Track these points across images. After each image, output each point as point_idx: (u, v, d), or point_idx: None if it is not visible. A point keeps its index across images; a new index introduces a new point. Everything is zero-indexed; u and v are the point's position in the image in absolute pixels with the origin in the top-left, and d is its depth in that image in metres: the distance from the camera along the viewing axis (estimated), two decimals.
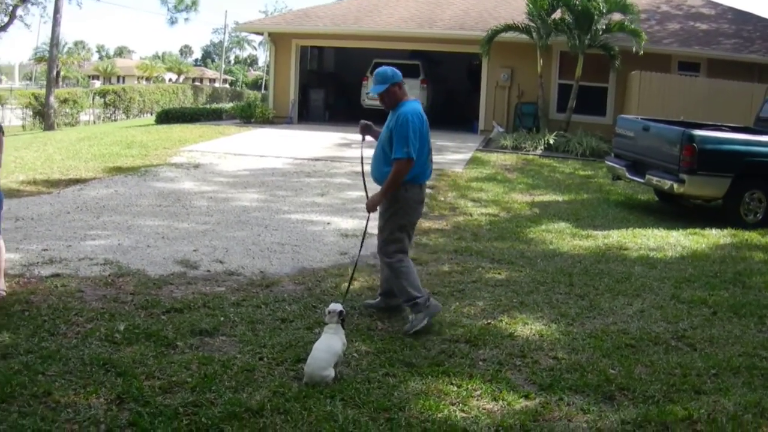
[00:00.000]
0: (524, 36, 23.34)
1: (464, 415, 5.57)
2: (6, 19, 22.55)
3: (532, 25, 23.12)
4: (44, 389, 5.74)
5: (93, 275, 9.06)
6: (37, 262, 9.47)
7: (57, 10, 32.69)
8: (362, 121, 8.00)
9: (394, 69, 7.68)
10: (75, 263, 9.50)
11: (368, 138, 8.10)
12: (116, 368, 6.21)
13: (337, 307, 6.58)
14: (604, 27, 22.55)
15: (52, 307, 7.70)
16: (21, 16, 22.36)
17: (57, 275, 8.95)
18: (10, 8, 21.97)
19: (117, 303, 8.03)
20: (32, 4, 22.49)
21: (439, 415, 5.50)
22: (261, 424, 5.32)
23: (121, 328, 7.17)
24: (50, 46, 34.95)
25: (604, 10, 22.17)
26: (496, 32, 23.42)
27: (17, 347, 6.60)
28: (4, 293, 8.04)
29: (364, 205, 11.96)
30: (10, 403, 5.52)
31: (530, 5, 22.96)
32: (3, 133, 8.23)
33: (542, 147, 22.04)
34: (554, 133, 22.55)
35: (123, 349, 6.70)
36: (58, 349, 6.60)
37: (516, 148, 22.12)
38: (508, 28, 23.24)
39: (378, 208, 7.79)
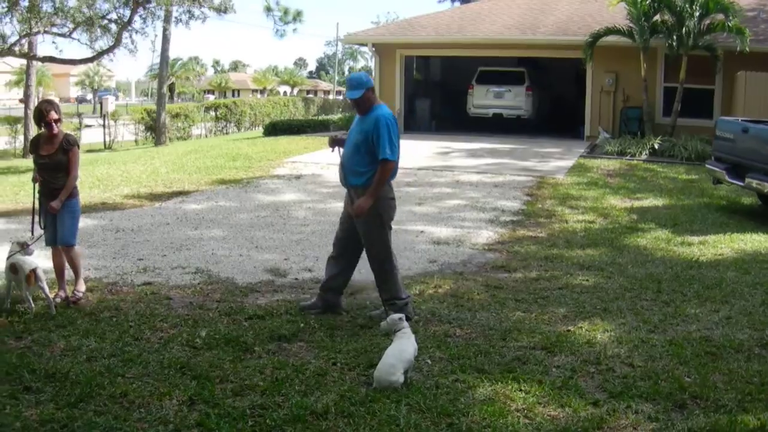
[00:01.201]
0: (627, 39, 23.00)
1: (527, 421, 5.56)
2: (112, 43, 23.20)
3: (634, 27, 22.77)
4: (121, 390, 6.00)
5: (183, 283, 9.34)
6: (131, 272, 9.81)
7: (165, 34, 33.58)
8: (332, 134, 8.17)
9: (367, 74, 8.08)
10: (167, 272, 9.79)
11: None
12: (192, 372, 6.44)
13: (395, 315, 6.67)
14: (705, 27, 22.07)
15: (140, 314, 7.99)
16: (125, 44, 22.96)
17: (149, 283, 9.27)
18: (115, 33, 22.63)
19: (202, 310, 8.29)
20: (136, 32, 23.05)
21: (502, 421, 5.50)
22: (323, 426, 5.43)
23: (203, 333, 7.41)
24: (160, 64, 35.88)
25: (704, 11, 21.70)
26: (597, 36, 23.15)
27: (102, 351, 6.91)
28: (81, 295, 8.41)
29: (460, 215, 12.06)
30: (88, 403, 5.79)
31: (631, 8, 22.63)
32: (78, 146, 8.61)
33: (647, 152, 21.68)
34: (659, 138, 22.16)
35: (202, 353, 6.92)
36: (140, 353, 6.88)
37: (621, 154, 21.81)
38: (609, 31, 22.93)
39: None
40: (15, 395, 5.94)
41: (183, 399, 5.89)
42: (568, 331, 7.70)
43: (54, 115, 8.40)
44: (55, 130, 8.42)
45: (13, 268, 8.13)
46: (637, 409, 5.76)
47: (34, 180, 8.53)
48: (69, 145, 8.46)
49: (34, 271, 8.02)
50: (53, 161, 8.41)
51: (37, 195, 8.71)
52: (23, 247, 8.38)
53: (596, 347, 7.19)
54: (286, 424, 5.43)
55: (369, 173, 7.73)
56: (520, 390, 6.11)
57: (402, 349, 6.30)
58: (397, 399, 5.86)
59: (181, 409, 5.72)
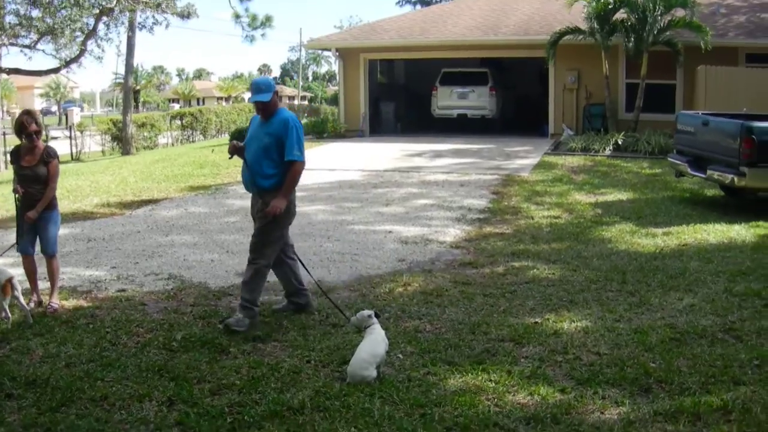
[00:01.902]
0: (588, 38, 23.29)
1: (498, 409, 5.73)
2: (77, 52, 23.21)
3: (595, 27, 23.05)
4: (102, 393, 6.13)
5: (157, 289, 9.45)
6: (105, 279, 9.91)
7: (130, 42, 33.56)
8: (234, 142, 8.24)
9: (270, 78, 8.24)
10: (141, 279, 9.89)
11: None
12: (170, 373, 6.58)
13: (365, 312, 6.82)
14: (665, 24, 22.39)
15: (116, 320, 8.11)
16: (91, 51, 23.01)
17: (123, 290, 9.39)
18: (80, 43, 22.65)
19: (177, 314, 8.42)
20: (101, 39, 23.11)
21: (473, 411, 5.67)
22: (300, 420, 5.58)
23: (179, 336, 7.55)
24: (125, 73, 35.81)
25: (664, 7, 22.01)
26: (559, 36, 23.44)
27: (80, 356, 7.04)
28: (57, 306, 8.53)
29: (427, 214, 12.21)
30: (69, 407, 5.92)
31: (590, 8, 22.93)
32: (57, 158, 8.72)
33: (611, 147, 21.96)
34: (622, 133, 22.45)
35: (179, 356, 7.06)
36: (118, 357, 7.01)
37: (585, 150, 22.08)
38: (570, 31, 23.24)
39: (265, 217, 7.89)
40: None
41: (162, 400, 6.01)
42: (536, 323, 7.88)
43: (34, 127, 8.55)
44: (36, 141, 8.55)
45: None
46: (603, 395, 5.96)
47: (15, 191, 8.63)
48: (49, 158, 8.61)
49: (9, 280, 8.09)
50: (34, 173, 8.53)
51: (18, 205, 8.82)
52: None
53: (563, 337, 7.37)
54: (264, 420, 5.58)
55: (278, 176, 7.81)
56: (490, 380, 6.29)
57: (373, 344, 6.46)
58: (371, 393, 6.02)
59: (161, 409, 5.85)
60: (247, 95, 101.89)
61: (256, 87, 7.90)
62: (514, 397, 5.95)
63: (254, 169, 7.84)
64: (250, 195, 8.21)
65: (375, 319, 6.70)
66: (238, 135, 31.08)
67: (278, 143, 7.74)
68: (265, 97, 7.79)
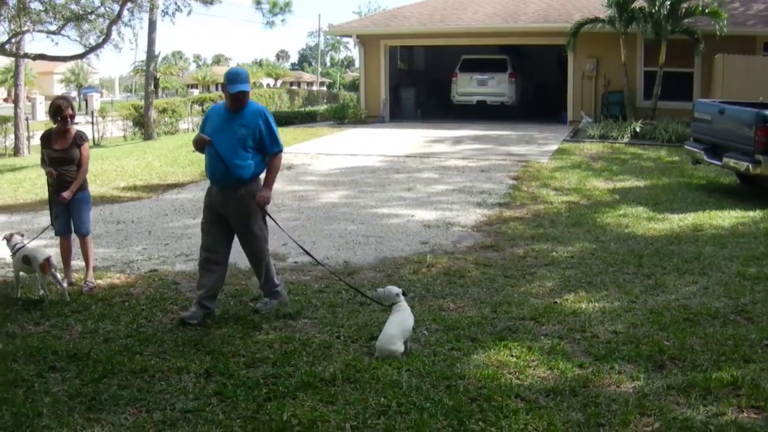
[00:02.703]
0: (607, 26, 23.44)
1: (519, 382, 6.01)
2: (100, 38, 23.48)
3: (614, 15, 23.20)
4: (141, 366, 6.44)
5: (188, 269, 9.77)
6: (137, 260, 10.25)
7: (152, 28, 33.80)
8: (204, 136, 7.70)
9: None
10: (172, 259, 10.22)
11: None
12: (206, 348, 6.90)
13: (393, 288, 7.05)
14: (683, 12, 22.53)
15: (150, 298, 8.44)
16: (119, 34, 23.30)
17: (155, 270, 9.71)
18: (104, 29, 22.90)
19: None
20: (125, 25, 23.36)
21: (495, 383, 5.96)
22: (332, 391, 5.87)
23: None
24: (147, 59, 36.11)
25: None
26: (580, 25, 23.63)
27: (118, 332, 7.36)
28: (93, 285, 8.86)
29: (448, 198, 12.38)
30: (111, 378, 6.23)
31: None
32: (86, 140, 9.07)
33: (629, 135, 22.17)
34: (640, 121, 22.64)
35: (213, 331, 7.38)
36: (155, 333, 7.33)
37: (603, 137, 22.30)
38: (590, 21, 23.44)
39: (244, 205, 7.79)
40: (41, 374, 6.37)
41: (200, 372, 6.33)
42: (555, 302, 8.15)
43: (70, 111, 8.94)
44: (69, 125, 8.90)
45: (25, 259, 8.51)
46: (620, 370, 6.22)
47: (50, 174, 8.94)
48: (81, 141, 9.01)
49: (47, 260, 8.43)
50: (68, 155, 8.88)
51: (50, 188, 9.16)
52: (23, 236, 8.86)
53: (581, 317, 7.64)
54: (297, 390, 5.88)
55: (252, 166, 7.71)
56: (512, 356, 6.56)
57: (401, 320, 6.75)
58: (399, 366, 6.31)
59: (199, 380, 6.16)
60: (266, 81, 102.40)
61: (237, 77, 7.61)
62: (534, 371, 6.23)
63: (229, 162, 7.57)
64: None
65: (402, 297, 6.97)
66: None
67: (254, 135, 7.63)
68: (247, 86, 7.65)
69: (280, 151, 7.94)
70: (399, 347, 6.58)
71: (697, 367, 6.24)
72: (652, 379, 6.02)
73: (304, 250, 8.91)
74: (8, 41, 22.96)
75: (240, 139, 7.60)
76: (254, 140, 7.66)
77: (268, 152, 7.82)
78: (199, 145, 7.76)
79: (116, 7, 23.30)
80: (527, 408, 5.48)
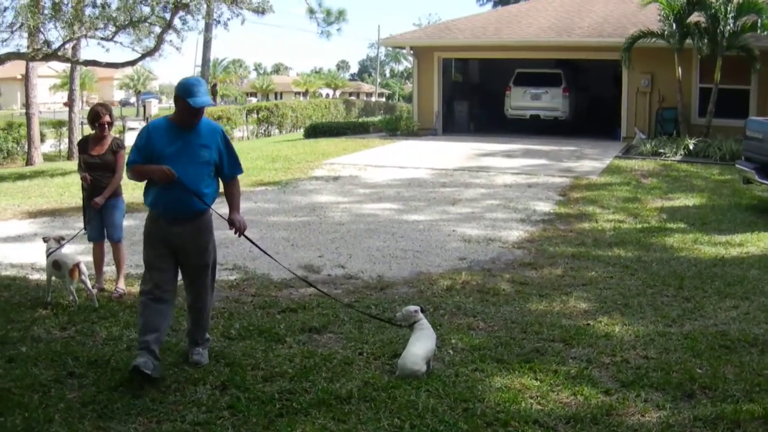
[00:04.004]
0: (662, 41, 23.11)
1: (540, 407, 5.84)
2: (153, 45, 23.66)
3: (670, 29, 22.87)
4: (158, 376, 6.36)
5: (220, 279, 9.67)
6: None
7: (206, 36, 34.04)
8: (170, 170, 6.35)
9: None
10: None
11: None
12: (226, 359, 6.84)
13: (411, 308, 6.93)
14: (740, 28, 22.12)
15: (178, 307, 8.29)
16: (171, 41, 23.45)
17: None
18: (156, 36, 23.09)
19: (238, 303, 8.72)
20: (177, 33, 23.52)
21: (515, 407, 5.79)
22: (346, 409, 5.77)
23: (237, 325, 7.75)
24: (201, 65, 36.44)
25: (738, 12, 21.76)
26: (634, 39, 23.27)
27: None
28: (123, 292, 8.85)
29: (493, 214, 12.13)
30: (127, 387, 6.19)
31: (665, 10, 22.73)
32: (125, 149, 9.06)
33: (682, 152, 21.79)
34: (694, 138, 22.26)
35: (236, 343, 7.32)
36: (178, 342, 7.31)
37: (656, 154, 21.94)
38: (644, 35, 23.07)
39: (204, 237, 6.81)
40: (59, 380, 6.36)
41: (216, 384, 6.26)
42: (588, 324, 7.96)
43: (108, 119, 9.02)
44: (107, 131, 8.94)
45: (56, 264, 8.55)
46: (646, 398, 6.01)
47: (84, 179, 8.98)
48: (118, 148, 9.06)
49: (77, 265, 8.45)
50: (103, 161, 8.95)
51: (84, 193, 9.21)
52: (59, 242, 8.85)
53: (613, 340, 7.44)
54: (311, 407, 5.78)
55: (214, 193, 6.75)
56: (536, 379, 6.39)
57: (424, 340, 6.61)
58: (418, 386, 6.18)
59: (214, 393, 6.10)
60: (324, 91, 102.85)
61: (200, 87, 6.50)
62: (557, 396, 6.05)
63: (198, 190, 6.52)
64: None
65: (422, 314, 6.85)
66: (312, 131, 31.54)
67: (213, 156, 6.61)
68: (210, 101, 6.68)
69: (241, 172, 7.00)
70: (422, 367, 6.44)
71: (728, 398, 6.02)
72: (679, 409, 5.82)
73: (297, 276, 8.70)
74: (62, 47, 23.18)
75: (204, 162, 6.54)
76: (214, 162, 6.63)
77: (228, 175, 6.81)
78: (164, 179, 6.38)
79: (168, 16, 23.43)
80: None
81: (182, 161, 6.43)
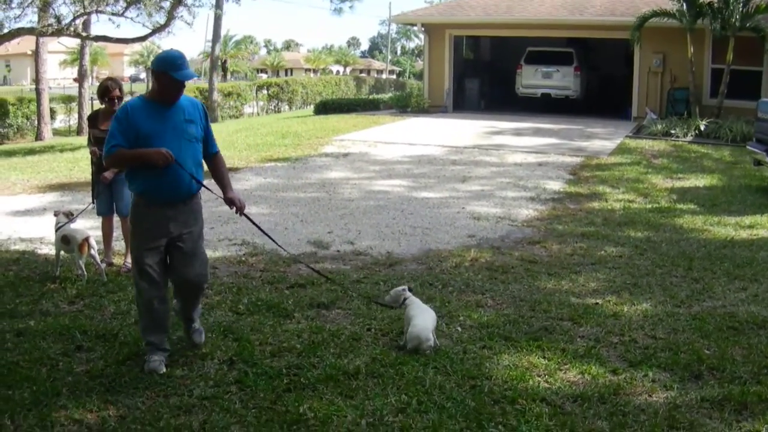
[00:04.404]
0: (674, 21, 22.95)
1: (547, 385, 5.83)
2: (164, 20, 23.60)
3: (682, 9, 22.71)
4: None
5: (229, 254, 9.75)
6: None
7: (217, 10, 33.92)
8: (169, 153, 5.89)
9: None
10: (215, 243, 10.18)
11: None
12: (234, 334, 6.84)
13: (397, 288, 6.94)
14: (752, 8, 21.95)
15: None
16: (181, 17, 23.39)
17: None
18: (167, 11, 23.02)
19: (246, 278, 8.72)
20: (188, 8, 23.46)
21: (522, 385, 5.79)
22: (354, 385, 5.76)
23: (245, 300, 7.77)
24: (212, 43, 36.32)
25: None
26: (644, 19, 23.11)
27: None
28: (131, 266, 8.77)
29: (503, 192, 12.04)
30: (135, 361, 6.21)
31: None
32: None
33: (693, 133, 21.69)
34: (705, 119, 22.14)
35: (244, 318, 7.33)
36: None
37: (666, 135, 21.83)
38: (656, 14, 22.91)
39: (200, 219, 6.50)
40: (67, 353, 6.38)
41: (224, 359, 6.27)
42: (596, 304, 7.93)
43: (117, 93, 8.98)
44: (116, 106, 8.90)
45: (65, 239, 8.56)
46: (654, 378, 5.99)
47: (93, 153, 8.97)
48: None
49: (86, 240, 8.46)
50: None
51: (93, 168, 9.21)
52: (68, 217, 8.85)
53: (621, 320, 7.41)
54: (319, 382, 5.78)
55: (201, 172, 6.33)
56: (544, 357, 6.38)
57: (425, 313, 6.63)
58: (425, 362, 6.17)
59: (222, 367, 6.10)
60: (335, 68, 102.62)
61: (183, 61, 6.08)
62: (565, 375, 6.04)
63: (192, 169, 6.13)
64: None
65: (409, 293, 6.85)
66: (322, 107, 31.48)
67: (200, 131, 6.25)
68: (194, 73, 6.52)
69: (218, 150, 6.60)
70: (431, 338, 6.43)
71: (736, 380, 5.98)
72: (686, 390, 5.79)
73: (291, 255, 8.67)
74: (72, 22, 23.13)
75: (192, 138, 6.14)
76: (201, 139, 6.26)
77: (212, 152, 6.47)
78: (165, 162, 5.91)
79: None
80: (551, 413, 5.30)
81: (171, 139, 5.98)
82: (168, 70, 5.90)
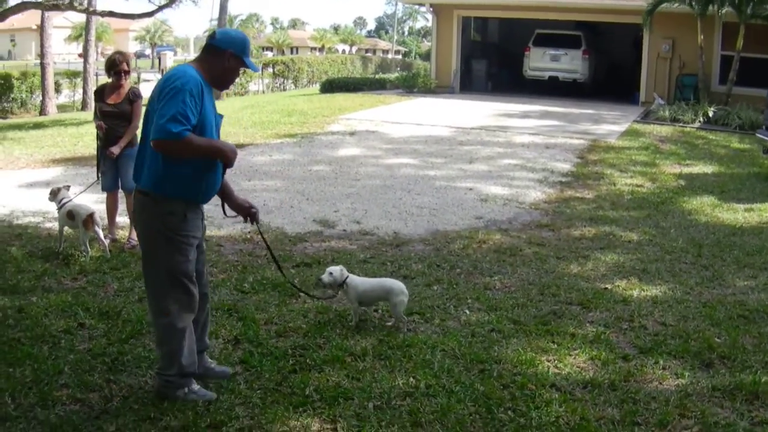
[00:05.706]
0: (685, 6, 22.77)
1: (556, 371, 5.74)
2: None
3: None
4: None
5: (234, 232, 9.65)
6: None
7: None
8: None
9: None
10: (220, 221, 10.02)
11: None
12: (239, 313, 6.77)
13: (336, 267, 6.68)
14: None
15: None
16: None
17: None
18: None
19: (251, 257, 8.65)
20: None
21: (532, 370, 5.70)
22: (360, 367, 5.69)
23: (250, 279, 7.68)
24: (219, 19, 36.06)
25: None
26: (657, 3, 22.94)
27: None
28: (136, 242, 8.64)
29: (510, 174, 11.87)
30: (138, 339, 6.16)
31: None
32: (141, 99, 8.93)
33: (701, 119, 21.53)
34: (714, 106, 21.98)
35: (249, 297, 7.26)
36: None
37: (674, 120, 21.68)
38: None
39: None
40: (70, 331, 6.30)
41: (228, 338, 6.20)
42: (605, 289, 7.85)
43: (125, 66, 8.87)
44: (123, 80, 8.80)
45: (69, 214, 8.48)
46: (664, 365, 5.90)
47: (99, 127, 8.86)
48: (135, 97, 8.88)
49: (91, 216, 8.38)
50: (119, 110, 8.80)
51: (99, 142, 9.10)
52: (67, 189, 8.83)
53: (631, 305, 7.33)
54: (325, 363, 5.70)
55: None
56: (553, 342, 6.30)
57: (379, 278, 7.07)
58: (433, 345, 6.09)
59: (226, 347, 6.03)
60: (341, 47, 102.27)
61: (249, 47, 5.17)
62: (574, 360, 5.95)
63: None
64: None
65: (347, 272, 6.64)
66: (329, 86, 31.32)
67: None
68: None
69: None
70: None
71: (747, 369, 5.89)
72: (697, 378, 5.70)
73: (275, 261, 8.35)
74: None
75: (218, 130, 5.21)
76: None
77: None
78: (232, 160, 5.03)
79: None
80: (561, 399, 5.21)
81: (213, 132, 5.02)
82: (241, 55, 5.02)
